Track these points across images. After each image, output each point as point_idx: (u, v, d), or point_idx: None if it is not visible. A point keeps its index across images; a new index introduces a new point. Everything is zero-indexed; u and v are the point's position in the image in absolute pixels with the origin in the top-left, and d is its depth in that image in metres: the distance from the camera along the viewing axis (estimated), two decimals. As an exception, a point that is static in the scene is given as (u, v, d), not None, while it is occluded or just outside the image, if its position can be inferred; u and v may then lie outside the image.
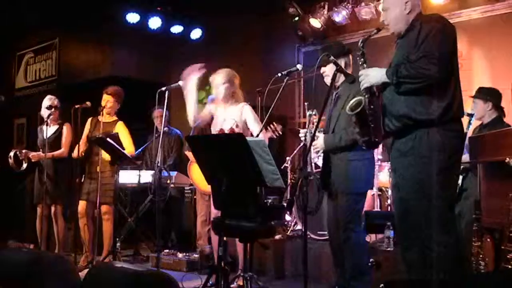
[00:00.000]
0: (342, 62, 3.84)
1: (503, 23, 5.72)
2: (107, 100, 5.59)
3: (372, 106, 3.07)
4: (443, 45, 2.98)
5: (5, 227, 6.98)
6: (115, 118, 5.68)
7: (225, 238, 3.55)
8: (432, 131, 2.98)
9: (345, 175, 3.75)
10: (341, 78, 3.83)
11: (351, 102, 3.15)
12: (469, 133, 4.46)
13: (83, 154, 5.56)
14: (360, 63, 3.20)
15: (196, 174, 5.00)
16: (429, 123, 2.98)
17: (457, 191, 4.14)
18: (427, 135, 2.99)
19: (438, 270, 2.94)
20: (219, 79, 4.56)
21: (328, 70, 3.86)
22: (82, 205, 5.55)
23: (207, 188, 4.68)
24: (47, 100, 5.84)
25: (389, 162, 4.23)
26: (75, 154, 5.61)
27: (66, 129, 5.87)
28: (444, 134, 3.00)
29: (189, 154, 5.06)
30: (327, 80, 3.85)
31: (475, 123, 4.71)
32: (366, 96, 3.09)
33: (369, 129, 3.09)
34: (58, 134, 5.86)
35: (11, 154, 5.87)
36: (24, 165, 5.87)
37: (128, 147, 5.51)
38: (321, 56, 3.67)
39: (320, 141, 3.87)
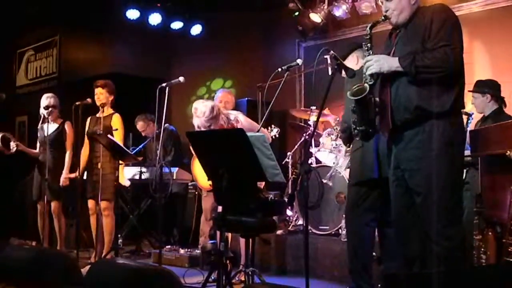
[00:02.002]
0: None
1: (504, 16, 5.71)
2: (100, 93, 5.54)
3: (371, 96, 2.99)
4: (460, 35, 2.97)
5: (7, 225, 6.99)
6: (111, 111, 5.64)
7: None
8: (442, 123, 2.93)
9: None
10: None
11: (354, 87, 3.04)
12: (470, 128, 4.44)
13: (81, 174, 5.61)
14: (366, 48, 3.10)
15: (197, 169, 5.00)
16: (441, 115, 2.92)
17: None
18: (438, 127, 2.92)
19: (442, 263, 2.91)
20: (202, 118, 4.33)
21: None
22: (92, 203, 5.53)
23: (205, 183, 4.69)
24: (44, 100, 5.80)
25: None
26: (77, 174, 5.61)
27: (67, 128, 5.82)
28: (453, 126, 2.98)
29: None
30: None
31: (478, 116, 4.70)
32: (370, 82, 3.00)
33: (368, 119, 3.01)
34: (59, 132, 5.82)
35: None
36: (13, 146, 5.78)
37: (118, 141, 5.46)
38: (320, 51, 3.65)
39: None
